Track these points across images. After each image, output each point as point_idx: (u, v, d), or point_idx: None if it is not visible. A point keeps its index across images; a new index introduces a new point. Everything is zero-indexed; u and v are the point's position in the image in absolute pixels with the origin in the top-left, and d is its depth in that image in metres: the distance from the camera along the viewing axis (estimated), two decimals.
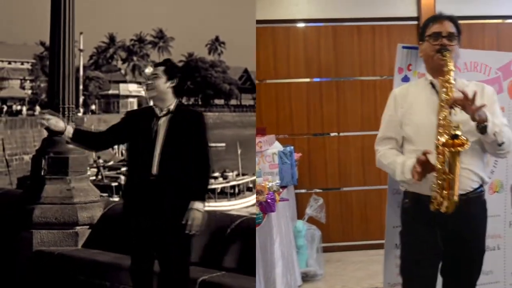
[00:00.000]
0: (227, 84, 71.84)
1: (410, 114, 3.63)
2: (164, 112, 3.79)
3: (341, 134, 8.53)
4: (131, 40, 72.38)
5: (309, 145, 8.55)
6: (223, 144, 46.87)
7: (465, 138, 3.26)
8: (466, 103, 3.29)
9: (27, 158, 36.79)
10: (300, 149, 8.20)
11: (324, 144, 8.55)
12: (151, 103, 3.83)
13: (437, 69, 3.56)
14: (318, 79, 8.40)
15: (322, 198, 7.37)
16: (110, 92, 62.75)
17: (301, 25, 8.53)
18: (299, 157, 7.97)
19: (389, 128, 3.76)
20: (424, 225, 3.56)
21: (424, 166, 3.31)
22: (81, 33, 52.38)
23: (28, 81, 58.79)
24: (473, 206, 3.59)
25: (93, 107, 57.13)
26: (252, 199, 28.79)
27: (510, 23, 7.93)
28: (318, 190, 8.29)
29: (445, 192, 3.31)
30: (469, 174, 3.50)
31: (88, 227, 5.12)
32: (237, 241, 4.44)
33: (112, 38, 71.45)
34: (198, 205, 3.65)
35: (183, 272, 3.70)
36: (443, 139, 3.28)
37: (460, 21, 7.94)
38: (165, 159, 3.70)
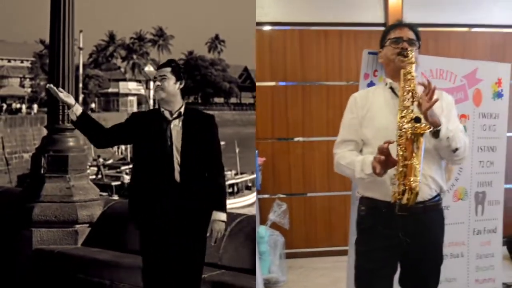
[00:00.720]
0: (227, 83, 71.90)
1: (370, 117, 3.55)
2: (175, 115, 3.71)
3: (306, 139, 8.33)
4: (131, 38, 72.40)
5: (273, 150, 8.38)
6: (223, 143, 46.61)
7: (427, 124, 3.21)
8: (424, 97, 3.24)
9: (27, 156, 36.78)
10: (264, 153, 8.14)
11: (289, 149, 8.39)
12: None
13: (398, 72, 3.50)
14: (283, 83, 8.27)
15: (286, 204, 7.28)
16: (110, 90, 62.75)
17: (267, 28, 8.37)
18: (263, 161, 7.94)
19: (349, 131, 3.66)
20: (380, 234, 3.44)
21: (384, 160, 3.20)
22: (80, 31, 52.36)
23: (27, 79, 58.85)
24: (431, 214, 3.49)
25: (92, 105, 57.15)
26: (251, 197, 28.85)
27: (476, 31, 7.90)
28: (281, 195, 8.16)
29: (406, 180, 3.17)
30: (428, 181, 3.42)
31: (87, 225, 5.12)
32: (237, 239, 4.45)
33: (112, 36, 71.45)
34: (222, 216, 3.70)
35: (200, 275, 3.74)
36: (406, 126, 3.21)
37: (427, 29, 8.03)
38: (187, 167, 3.65)
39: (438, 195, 3.53)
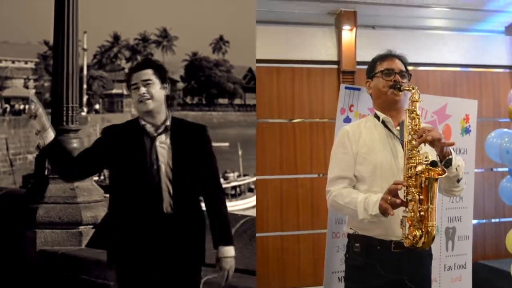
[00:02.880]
0: (231, 83, 71.84)
1: (365, 153, 3.39)
2: (161, 130, 3.15)
3: (258, 177, 7.92)
4: (135, 39, 72.57)
5: None
6: (227, 144, 46.95)
7: (442, 168, 3.11)
8: (437, 136, 3.15)
9: (31, 157, 36.88)
10: None
11: None
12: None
13: (390, 106, 3.43)
14: None
15: None
16: (114, 91, 62.87)
17: None
18: None
19: (343, 167, 3.44)
20: (375, 272, 3.33)
21: (392, 200, 3.09)
22: (85, 32, 52.55)
23: (31, 80, 59.01)
24: (424, 253, 3.44)
25: (97, 106, 57.27)
26: (253, 200, 28.88)
27: (427, 70, 7.90)
28: None
29: (423, 225, 3.07)
30: None
31: (92, 226, 5.13)
32: (242, 241, 4.45)
33: (116, 37, 71.62)
34: (230, 251, 3.24)
35: None
36: (420, 167, 3.08)
37: None
38: (181, 194, 3.11)
39: None
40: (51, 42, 5.37)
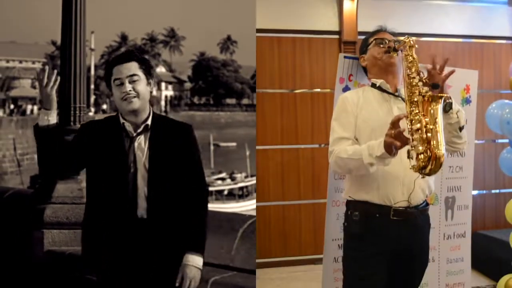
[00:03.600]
0: (239, 83, 71.78)
1: (364, 117, 3.38)
2: (140, 130, 2.91)
3: (260, 147, 8.03)
4: (143, 39, 72.60)
5: None
6: (234, 144, 47.00)
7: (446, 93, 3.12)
8: (434, 71, 3.24)
9: None
10: None
11: None
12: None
13: (387, 70, 3.44)
14: None
15: None
16: None
17: None
18: None
19: (345, 128, 3.40)
20: (373, 241, 3.28)
21: (399, 135, 2.98)
22: (92, 32, 52.68)
23: None
24: (422, 218, 3.42)
25: (104, 106, 57.42)
26: None
27: (429, 40, 7.89)
28: None
29: (432, 147, 2.94)
30: (424, 185, 3.35)
31: None
32: (250, 241, 4.39)
33: (123, 37, 71.72)
34: (197, 260, 2.93)
35: None
36: (423, 89, 3.07)
37: None
38: (156, 197, 2.88)
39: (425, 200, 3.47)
40: (59, 42, 5.41)
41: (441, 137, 2.96)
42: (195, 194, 2.99)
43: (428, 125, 2.95)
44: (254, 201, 29.04)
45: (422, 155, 2.92)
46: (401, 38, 3.37)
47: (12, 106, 49.29)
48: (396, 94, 3.43)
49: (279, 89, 7.86)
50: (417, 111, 3.02)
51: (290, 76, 7.88)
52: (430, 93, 3.05)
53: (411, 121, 3.00)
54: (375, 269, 3.30)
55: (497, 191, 8.02)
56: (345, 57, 4.73)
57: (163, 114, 36.14)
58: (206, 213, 3.04)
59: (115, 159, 2.89)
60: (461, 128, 3.38)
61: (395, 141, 2.95)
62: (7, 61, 60.15)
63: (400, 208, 3.25)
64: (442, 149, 2.95)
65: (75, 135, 3.07)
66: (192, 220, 2.96)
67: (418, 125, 2.96)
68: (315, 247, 7.28)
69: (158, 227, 2.89)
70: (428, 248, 3.56)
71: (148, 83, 2.91)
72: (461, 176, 5.14)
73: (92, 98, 52.65)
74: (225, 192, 31.86)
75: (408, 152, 2.98)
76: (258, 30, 7.73)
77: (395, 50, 3.39)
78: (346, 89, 4.69)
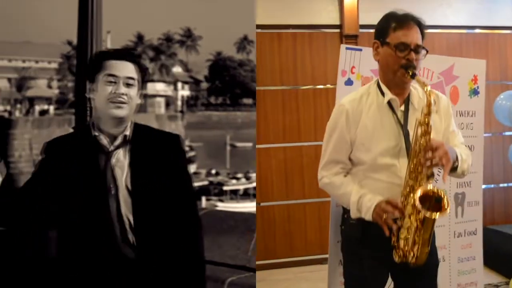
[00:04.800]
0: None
1: (364, 140, 3.08)
2: (118, 142, 2.46)
3: (261, 146, 7.88)
4: (159, 39, 72.69)
5: None
6: (250, 144, 46.90)
7: (447, 203, 2.85)
8: (444, 157, 2.87)
9: None
10: None
11: None
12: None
13: (398, 85, 3.07)
14: None
15: None
16: None
17: None
18: None
19: (338, 150, 3.16)
20: (373, 244, 3.09)
21: (388, 222, 2.92)
22: (108, 32, 52.82)
23: (55, 81, 59.42)
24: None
25: None
26: None
27: (433, 32, 7.77)
28: None
29: (416, 248, 2.91)
30: None
31: None
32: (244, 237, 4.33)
33: (140, 37, 71.90)
34: None
35: None
36: (417, 196, 2.83)
37: None
38: (144, 226, 2.44)
39: None
40: (75, 42, 5.37)
41: (428, 242, 2.91)
42: (189, 224, 2.56)
43: (416, 234, 2.88)
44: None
45: (400, 250, 2.94)
46: (422, 82, 2.97)
47: (28, 106, 49.57)
48: (402, 109, 3.11)
49: (280, 85, 7.76)
50: (410, 204, 2.86)
51: (291, 72, 7.76)
52: (424, 214, 2.81)
53: (405, 205, 2.91)
54: (376, 272, 3.17)
55: (506, 185, 7.90)
56: (347, 48, 4.59)
57: (179, 114, 36.23)
58: (201, 244, 2.60)
59: (89, 182, 2.40)
60: (464, 174, 3.23)
61: (383, 224, 2.91)
62: (23, 61, 60.51)
63: None
64: (424, 255, 2.92)
65: (40, 159, 2.57)
66: (187, 254, 2.53)
67: (406, 222, 2.88)
68: (322, 246, 7.16)
69: (147, 265, 2.45)
70: (435, 248, 3.32)
71: (139, 94, 2.51)
72: (470, 171, 4.98)
73: None
74: (240, 192, 31.85)
75: (396, 232, 2.93)
76: (258, 26, 7.64)
77: (413, 76, 2.98)
78: (348, 82, 4.55)
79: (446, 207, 2.82)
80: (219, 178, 34.43)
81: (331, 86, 7.39)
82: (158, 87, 64.60)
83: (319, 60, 7.59)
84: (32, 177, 2.57)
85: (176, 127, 47.16)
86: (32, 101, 52.51)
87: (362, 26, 7.32)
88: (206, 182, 34.47)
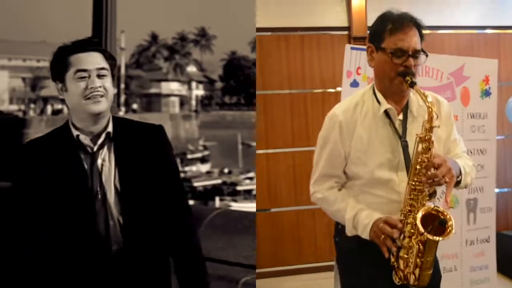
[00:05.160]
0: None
1: (359, 152, 2.88)
2: (101, 141, 2.34)
3: (270, 151, 7.73)
4: (173, 38, 72.78)
5: None
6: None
7: (452, 226, 2.65)
8: (448, 175, 2.67)
9: None
10: None
11: None
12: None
13: (395, 94, 2.87)
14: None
15: None
16: (152, 91, 63.28)
17: None
18: None
19: (331, 163, 2.97)
20: (371, 257, 2.86)
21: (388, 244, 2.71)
22: (122, 31, 52.96)
23: None
24: None
25: (134, 106, 57.68)
26: None
27: (442, 33, 7.66)
28: None
29: (417, 271, 2.69)
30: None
31: None
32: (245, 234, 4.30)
33: (154, 37, 72.04)
34: None
35: None
36: (419, 217, 2.65)
37: None
38: (133, 226, 2.32)
39: None
40: None
41: (430, 264, 2.70)
42: (181, 217, 2.46)
43: (418, 255, 2.67)
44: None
45: (400, 271, 2.74)
46: (423, 94, 2.74)
47: (42, 106, 49.77)
48: (400, 118, 2.90)
49: (288, 89, 7.63)
50: (411, 224, 2.69)
51: (299, 75, 7.66)
52: (426, 236, 2.62)
53: (405, 223, 2.72)
54: (376, 282, 2.91)
55: None
56: (352, 48, 4.52)
57: (193, 113, 36.26)
58: (198, 243, 2.49)
59: (75, 186, 2.26)
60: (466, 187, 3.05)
61: (383, 248, 2.71)
62: (38, 61, 60.85)
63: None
64: (430, 274, 2.71)
65: (18, 168, 2.37)
66: (185, 258, 2.45)
67: (407, 242, 2.69)
68: (331, 253, 7.05)
69: (137, 260, 2.33)
70: (436, 263, 3.05)
71: (113, 84, 2.38)
72: (482, 175, 4.90)
73: (123, 97, 52.90)
74: (253, 192, 31.74)
75: (394, 252, 2.74)
76: (266, 29, 7.56)
77: (412, 84, 2.75)
78: (354, 84, 4.53)
79: (450, 230, 2.63)
80: (233, 178, 34.37)
81: (340, 89, 7.30)
82: (172, 87, 64.70)
83: (327, 63, 7.50)
84: (14, 185, 2.43)
85: (190, 127, 47.25)
86: (46, 100, 52.76)
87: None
88: (219, 181, 34.44)
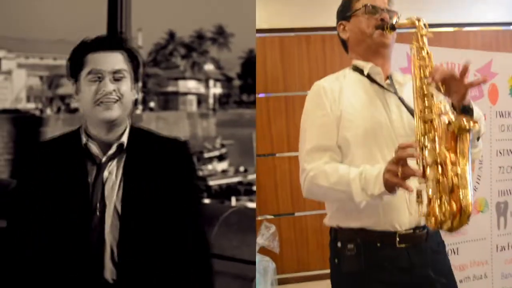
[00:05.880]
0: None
1: (350, 115, 2.57)
2: (112, 152, 2.09)
3: (292, 154, 7.35)
4: (191, 36, 73.10)
5: (258, 167, 7.50)
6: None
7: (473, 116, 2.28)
8: (452, 77, 2.28)
9: None
10: None
11: (274, 165, 7.51)
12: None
13: (376, 52, 2.68)
14: (263, 95, 7.56)
15: (274, 225, 6.27)
16: (169, 89, 63.53)
17: None
18: None
19: (323, 133, 2.60)
20: (378, 279, 2.52)
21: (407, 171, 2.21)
22: (139, 29, 53.19)
23: None
24: (435, 241, 2.67)
25: (152, 104, 57.91)
26: None
27: (467, 30, 7.54)
28: (269, 217, 7.44)
29: (454, 197, 2.17)
30: None
31: None
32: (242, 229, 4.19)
33: (171, 35, 72.34)
34: None
35: None
36: (447, 118, 2.20)
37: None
38: (130, 261, 2.01)
39: None
40: None
41: (467, 180, 2.17)
42: (197, 259, 2.11)
43: (453, 166, 2.16)
44: None
45: (441, 206, 2.18)
46: (405, 21, 2.55)
47: (59, 104, 50.05)
48: (387, 82, 2.66)
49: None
50: (433, 136, 2.23)
51: (321, 75, 7.52)
52: (455, 121, 2.19)
53: (422, 148, 2.23)
54: None
55: None
56: None
57: (211, 112, 36.45)
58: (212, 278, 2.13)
59: (74, 196, 2.01)
60: (479, 137, 2.61)
61: (402, 182, 2.19)
62: (55, 59, 61.18)
63: (407, 232, 2.53)
64: (469, 197, 2.17)
65: (18, 180, 2.16)
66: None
67: (435, 158, 2.19)
68: None
69: None
70: (451, 271, 2.73)
71: (133, 88, 2.15)
72: None
73: (140, 95, 53.15)
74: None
75: (418, 193, 2.23)
76: (286, 30, 7.47)
77: (393, 28, 2.59)
78: None
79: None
80: (249, 177, 34.42)
81: None
82: (189, 85, 64.93)
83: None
84: (17, 185, 2.17)
85: (207, 125, 47.40)
86: (63, 98, 53.11)
87: None
88: (235, 180, 34.56)
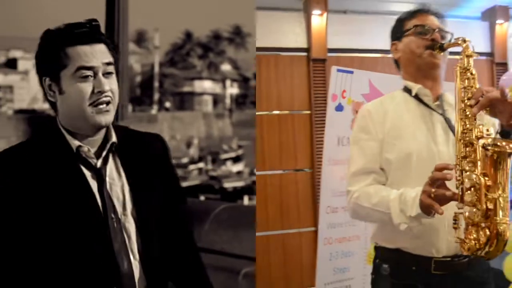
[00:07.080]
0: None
1: (393, 138, 2.57)
2: (105, 153, 1.89)
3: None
4: (207, 36, 72.91)
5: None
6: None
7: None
8: (496, 98, 2.14)
9: None
10: None
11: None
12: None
13: (426, 72, 2.64)
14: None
15: None
16: (185, 89, 63.49)
17: None
18: None
19: (366, 157, 2.61)
20: None
21: (442, 195, 2.16)
22: (156, 29, 53.43)
23: None
24: (480, 269, 2.55)
25: (167, 104, 58.04)
26: None
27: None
28: None
29: (491, 223, 2.08)
30: None
31: None
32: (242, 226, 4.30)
33: (188, 35, 72.26)
34: None
35: None
36: (483, 141, 2.13)
37: (353, 54, 7.14)
38: (154, 258, 1.92)
39: None
40: None
41: (507, 206, 2.08)
42: (186, 239, 2.12)
43: (490, 192, 2.08)
44: None
45: (477, 232, 2.13)
46: (453, 42, 2.50)
47: None
48: (437, 103, 2.64)
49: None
50: (472, 159, 2.17)
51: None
52: (494, 149, 2.10)
53: (461, 171, 2.18)
54: None
55: None
56: (338, 70, 4.36)
57: (227, 112, 36.20)
58: (205, 272, 2.13)
59: (81, 211, 1.77)
60: None
61: (435, 204, 2.15)
62: None
63: (444, 259, 2.47)
64: (507, 224, 2.08)
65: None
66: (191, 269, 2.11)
67: (473, 182, 2.12)
68: None
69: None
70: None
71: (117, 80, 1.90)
72: None
73: (156, 96, 53.32)
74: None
75: (455, 218, 2.19)
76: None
77: (442, 48, 2.56)
78: (339, 108, 4.37)
79: None
80: None
81: (298, 112, 7.21)
82: (205, 85, 64.75)
83: (284, 85, 7.34)
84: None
85: (223, 126, 47.20)
86: None
87: (331, 50, 7.12)
88: (249, 181, 34.47)
